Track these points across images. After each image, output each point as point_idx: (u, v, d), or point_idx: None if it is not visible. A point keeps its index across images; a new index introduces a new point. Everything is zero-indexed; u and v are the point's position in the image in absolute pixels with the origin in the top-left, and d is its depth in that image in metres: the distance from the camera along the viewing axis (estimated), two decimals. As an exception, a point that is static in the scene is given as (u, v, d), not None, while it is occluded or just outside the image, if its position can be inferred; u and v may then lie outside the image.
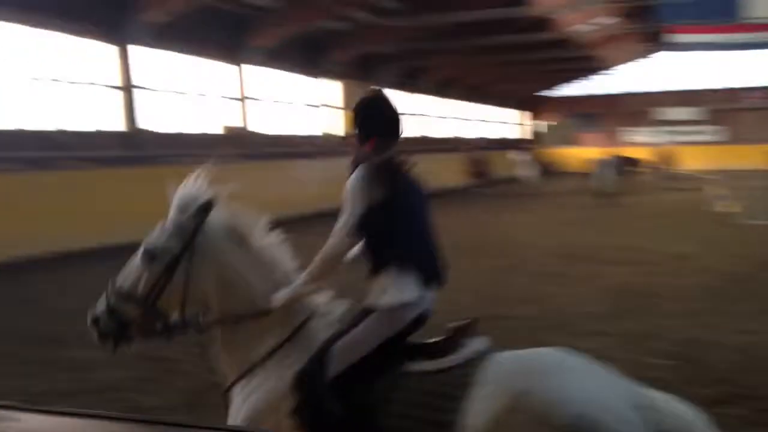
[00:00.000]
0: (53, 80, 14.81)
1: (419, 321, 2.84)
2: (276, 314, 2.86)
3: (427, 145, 31.82)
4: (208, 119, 19.34)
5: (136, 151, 16.36)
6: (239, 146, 19.32)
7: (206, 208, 2.87)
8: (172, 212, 2.93)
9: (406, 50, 25.82)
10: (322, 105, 24.48)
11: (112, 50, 16.14)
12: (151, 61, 17.07)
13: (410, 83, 31.01)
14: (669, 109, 44.31)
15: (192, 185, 2.92)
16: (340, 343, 2.74)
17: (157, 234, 2.91)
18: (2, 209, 11.80)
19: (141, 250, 2.90)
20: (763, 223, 14.49)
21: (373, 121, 2.93)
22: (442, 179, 28.91)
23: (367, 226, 2.77)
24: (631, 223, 15.79)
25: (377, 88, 3.12)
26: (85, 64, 15.62)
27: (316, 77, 23.92)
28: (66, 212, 12.86)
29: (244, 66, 20.19)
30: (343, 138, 21.97)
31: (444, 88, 34.14)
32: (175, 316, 2.89)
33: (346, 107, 25.32)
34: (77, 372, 5.88)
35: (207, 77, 19.33)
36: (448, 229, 15.17)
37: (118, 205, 13.73)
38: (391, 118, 2.93)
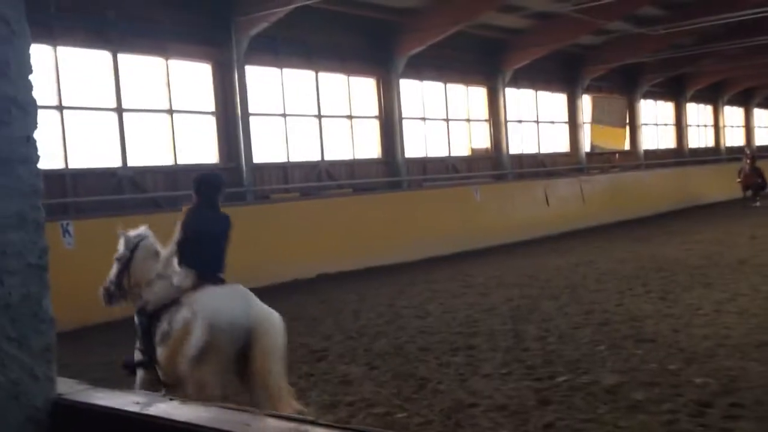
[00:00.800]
0: (322, 115, 16.41)
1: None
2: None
3: (687, 156, 29.81)
4: (459, 143, 19.99)
5: (393, 176, 17.47)
6: (488, 167, 19.71)
7: (137, 241, 5.41)
8: (121, 243, 5.47)
9: (668, 59, 24.49)
10: (584, 122, 24.11)
11: (370, 83, 17.47)
12: (407, 91, 18.13)
13: (670, 92, 29.33)
14: None
15: (132, 234, 5.45)
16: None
17: (121, 250, 5.44)
18: (280, 233, 13.28)
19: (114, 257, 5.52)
20: None
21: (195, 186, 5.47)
22: (706, 192, 26.81)
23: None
24: None
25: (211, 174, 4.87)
26: (350, 98, 17.10)
27: (571, 94, 23.65)
28: (330, 235, 14.08)
29: (494, 88, 20.54)
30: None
31: (708, 94, 31.76)
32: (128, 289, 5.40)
33: (594, 121, 24.66)
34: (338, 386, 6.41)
35: (458, 102, 20.01)
36: (713, 246, 14.21)
37: (377, 228, 14.79)
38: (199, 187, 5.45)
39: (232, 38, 13.94)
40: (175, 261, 5.29)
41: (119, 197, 12.67)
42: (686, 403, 5.32)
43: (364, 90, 17.50)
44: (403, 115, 17.79)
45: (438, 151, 19.33)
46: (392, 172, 17.62)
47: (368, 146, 17.59)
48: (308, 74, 16.13)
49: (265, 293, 11.51)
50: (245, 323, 4.80)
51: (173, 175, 13.54)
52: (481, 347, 7.45)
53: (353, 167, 16.87)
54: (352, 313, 9.86)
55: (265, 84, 15.35)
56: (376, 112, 17.60)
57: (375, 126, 17.64)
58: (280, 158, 15.60)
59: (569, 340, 7.52)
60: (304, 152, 16.20)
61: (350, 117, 17.08)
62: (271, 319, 4.97)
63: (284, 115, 15.59)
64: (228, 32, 13.91)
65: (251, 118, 14.53)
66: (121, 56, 12.83)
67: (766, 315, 8.07)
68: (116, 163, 12.75)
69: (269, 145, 15.41)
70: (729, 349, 6.77)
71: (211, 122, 14.26)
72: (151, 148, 13.52)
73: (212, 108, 14.21)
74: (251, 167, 14.32)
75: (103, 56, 12.67)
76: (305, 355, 7.56)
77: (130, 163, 12.92)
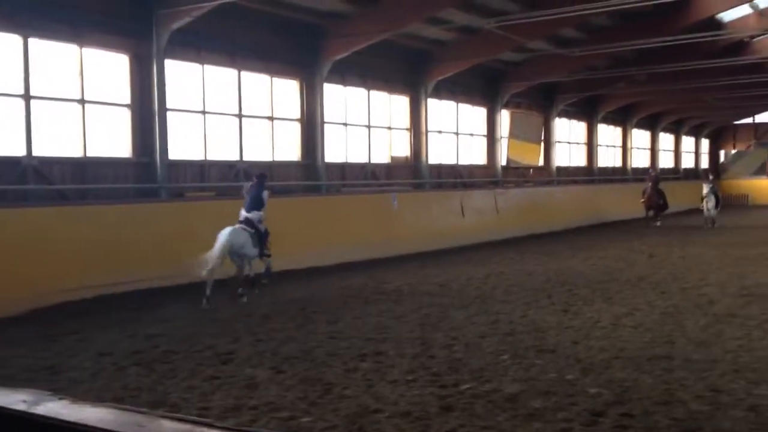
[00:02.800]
0: (243, 115, 16.20)
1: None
2: None
3: (596, 174, 31.01)
4: (379, 150, 20.13)
5: (312, 180, 17.44)
6: (407, 176, 19.95)
7: None
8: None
9: (583, 80, 25.45)
10: (502, 136, 24.71)
11: (294, 85, 17.39)
12: (330, 95, 18.12)
13: (583, 112, 30.47)
14: None
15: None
16: None
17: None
18: (194, 233, 13.03)
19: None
20: None
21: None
22: (612, 210, 27.96)
23: None
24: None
25: None
26: (273, 99, 16.95)
27: (491, 108, 24.20)
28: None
29: (417, 97, 20.80)
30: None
31: (619, 116, 33.20)
32: None
33: (512, 136, 25.35)
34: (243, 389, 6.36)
35: (380, 109, 20.16)
36: (615, 262, 14.83)
37: (293, 232, 14.74)
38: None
39: (153, 31, 13.59)
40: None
41: (22, 187, 12.12)
42: (580, 412, 5.54)
43: (286, 92, 17.38)
44: (325, 120, 17.77)
45: (358, 157, 19.41)
46: (311, 175, 17.57)
47: (288, 148, 17.47)
48: (230, 72, 15.89)
49: (175, 292, 11.38)
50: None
51: (82, 167, 13.05)
52: (389, 353, 7.53)
53: (272, 169, 16.71)
54: (262, 316, 9.78)
55: (185, 80, 15.03)
56: (298, 115, 17.51)
57: (296, 129, 17.55)
58: (197, 156, 15.30)
59: (475, 349, 7.70)
60: (223, 151, 15.95)
61: (271, 118, 16.93)
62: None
63: (203, 113, 15.30)
64: (149, 24, 13.55)
65: (169, 114, 14.19)
66: (32, 41, 12.29)
67: (659, 330, 8.50)
68: (21, 151, 12.20)
69: (186, 142, 15.09)
70: (623, 361, 7.09)
71: (125, 115, 13.84)
72: (59, 139, 12.99)
73: (128, 101, 13.80)
74: (166, 164, 13.98)
75: (13, 40, 12.11)
76: (210, 358, 7.45)
77: (36, 152, 12.38)
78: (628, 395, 5.96)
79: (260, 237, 11.41)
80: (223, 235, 10.72)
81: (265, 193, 11.76)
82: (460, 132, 23.31)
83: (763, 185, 41.91)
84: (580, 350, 7.55)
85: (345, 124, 18.99)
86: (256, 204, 11.56)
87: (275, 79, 16.97)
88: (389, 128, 20.42)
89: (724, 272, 13.43)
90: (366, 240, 16.28)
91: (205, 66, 15.27)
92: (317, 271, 14.30)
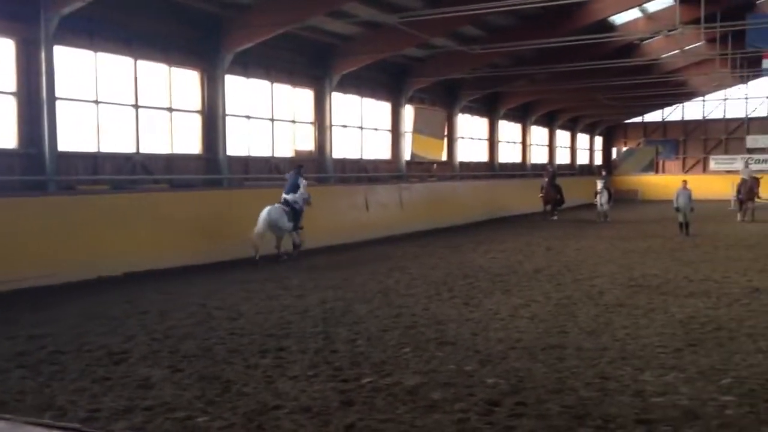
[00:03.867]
0: (139, 106, 15.61)
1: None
2: None
3: (498, 170, 31.85)
4: (283, 144, 19.91)
5: (214, 173, 17.04)
6: (311, 170, 19.84)
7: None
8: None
9: (484, 77, 26.02)
10: (406, 131, 24.90)
11: (194, 76, 16.92)
12: (232, 87, 17.74)
13: (485, 109, 31.19)
14: (758, 137, 42.73)
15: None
16: None
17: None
18: (85, 228, 12.48)
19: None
20: None
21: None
22: (512, 204, 28.80)
23: None
24: (706, 254, 15.34)
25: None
26: (171, 90, 16.42)
27: (395, 103, 24.36)
28: (140, 232, 13.49)
29: (321, 91, 20.68)
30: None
31: (519, 113, 34.21)
32: None
33: (416, 131, 25.66)
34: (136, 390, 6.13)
35: (285, 102, 19.93)
36: (514, 255, 15.28)
37: (193, 226, 14.42)
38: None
39: (41, 15, 12.87)
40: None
41: None
42: (477, 402, 5.65)
43: (186, 83, 16.88)
44: (227, 112, 17.38)
45: (261, 150, 19.11)
46: (213, 169, 17.15)
47: (189, 141, 16.98)
48: (126, 61, 15.27)
49: (63, 291, 10.87)
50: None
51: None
52: (290, 349, 7.45)
53: (171, 162, 16.21)
54: (159, 313, 9.46)
55: (77, 67, 14.33)
56: (198, 107, 17.04)
57: (197, 121, 17.07)
58: (90, 148, 14.63)
59: (377, 343, 7.73)
60: (118, 143, 15.31)
61: (170, 110, 16.39)
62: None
63: (96, 102, 14.63)
64: (36, 8, 12.83)
65: (58, 103, 13.49)
66: None
67: (553, 320, 8.79)
68: None
69: (78, 132, 14.40)
70: (519, 351, 7.29)
71: (11, 103, 13.06)
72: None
73: (13, 88, 13.02)
74: (55, 155, 13.28)
75: None
76: (102, 358, 7.14)
77: None
78: (522, 385, 6.12)
79: (295, 214, 14.88)
80: (264, 211, 14.29)
81: (302, 180, 15.18)
82: (364, 126, 23.37)
83: (652, 181, 44.23)
84: (479, 342, 7.71)
85: (248, 117, 18.65)
86: (293, 188, 15.04)
87: (174, 69, 16.45)
88: (293, 122, 20.22)
89: (615, 264, 14.04)
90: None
91: (99, 53, 14.61)
92: (220, 265, 14.02)
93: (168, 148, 16.34)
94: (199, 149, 17.16)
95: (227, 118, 17.41)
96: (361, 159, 23.22)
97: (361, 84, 22.69)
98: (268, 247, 14.84)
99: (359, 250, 17.01)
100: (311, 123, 20.77)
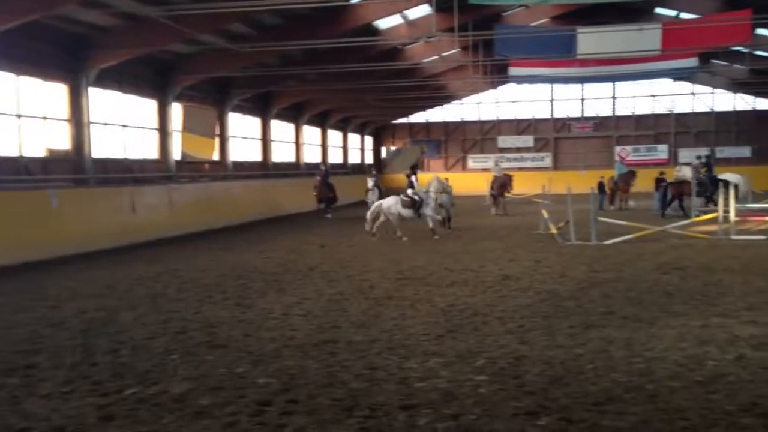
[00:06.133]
0: None
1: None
2: None
3: (272, 169, 31.87)
4: (34, 142, 18.17)
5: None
6: (68, 171, 18.40)
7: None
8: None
9: (255, 76, 25.82)
10: (175, 130, 23.88)
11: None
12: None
13: (258, 108, 31.00)
14: (508, 137, 47.11)
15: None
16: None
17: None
18: None
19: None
20: (581, 244, 15.70)
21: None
22: (287, 204, 28.99)
23: None
24: (465, 246, 16.52)
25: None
26: None
27: (162, 101, 23.29)
28: None
29: (77, 86, 19.16)
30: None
31: (291, 113, 34.48)
32: None
33: (185, 130, 24.84)
34: None
35: (33, 97, 18.18)
36: (289, 254, 15.36)
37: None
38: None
39: None
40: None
41: None
42: (248, 403, 5.56)
43: None
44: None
45: (8, 150, 17.26)
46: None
47: None
48: None
49: None
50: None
51: None
52: (42, 365, 6.80)
53: None
54: None
55: None
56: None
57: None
58: None
59: (143, 351, 7.32)
60: None
61: None
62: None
63: None
64: None
65: None
66: None
67: (326, 316, 8.94)
68: None
69: None
70: (292, 349, 7.31)
71: None
72: None
73: None
74: None
75: None
76: None
77: None
78: (294, 382, 6.14)
79: (414, 204, 18.49)
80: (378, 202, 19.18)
81: (414, 177, 19.35)
82: (128, 124, 22.08)
83: (417, 178, 46.82)
84: (252, 342, 7.61)
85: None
86: (410, 186, 19.15)
87: None
88: (45, 119, 18.51)
89: (385, 259, 14.63)
90: (20, 241, 14.60)
91: None
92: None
93: None
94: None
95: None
96: (125, 159, 21.91)
97: (124, 79, 21.41)
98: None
99: (125, 255, 16.03)
100: (66, 120, 19.15)
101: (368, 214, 18.96)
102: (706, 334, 7.53)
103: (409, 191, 18.85)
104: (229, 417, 5.26)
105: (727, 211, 16.70)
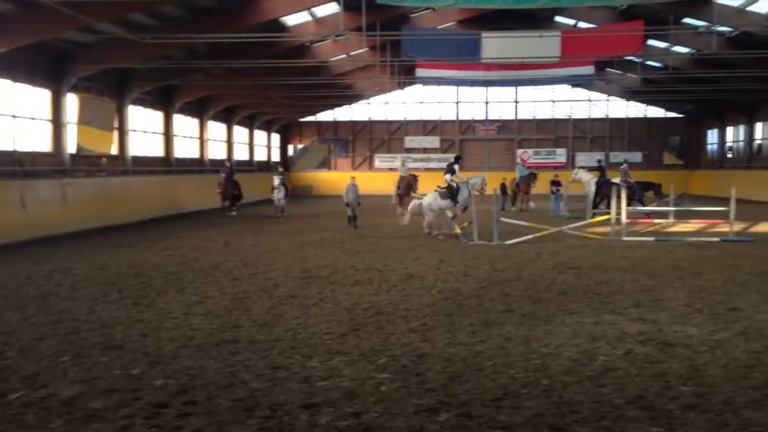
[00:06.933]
0: None
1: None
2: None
3: (174, 165, 31.02)
4: None
5: None
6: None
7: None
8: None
9: (158, 68, 25.04)
10: (70, 122, 22.78)
11: None
12: None
13: (160, 102, 30.09)
14: (414, 138, 47.71)
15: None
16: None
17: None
18: None
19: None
20: (484, 244, 16.09)
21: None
22: (190, 201, 28.32)
23: None
24: (371, 245, 16.61)
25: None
26: None
27: (56, 91, 22.20)
28: None
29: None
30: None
31: (196, 108, 33.67)
32: None
33: (82, 122, 23.82)
34: None
35: None
36: (191, 252, 14.99)
37: None
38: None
39: None
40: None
41: None
42: (144, 406, 5.39)
43: None
44: None
45: None
46: None
47: None
48: None
49: None
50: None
51: None
52: None
53: None
54: None
55: None
56: None
57: None
58: None
59: (30, 353, 6.97)
60: None
61: None
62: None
63: None
64: None
65: None
66: None
67: (228, 315, 8.77)
68: None
69: None
70: (192, 349, 7.13)
71: None
72: None
73: None
74: None
75: None
76: None
77: None
78: (193, 383, 5.99)
79: (452, 192, 18.85)
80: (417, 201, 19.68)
81: (456, 167, 19.54)
82: (18, 115, 20.93)
83: (325, 177, 46.79)
84: (149, 343, 7.38)
85: None
86: (450, 171, 19.46)
87: None
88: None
89: (290, 257, 14.51)
90: None
91: None
92: None
93: None
94: None
95: None
96: (15, 151, 20.74)
97: (14, 67, 20.26)
98: None
99: (13, 252, 15.19)
100: (-50, 108, 17.97)
101: (409, 208, 19.82)
102: (598, 330, 7.86)
103: (447, 176, 19.32)
104: (122, 420, 5.08)
105: (619, 214, 17.53)
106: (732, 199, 17.12)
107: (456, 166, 19.82)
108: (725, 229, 17.74)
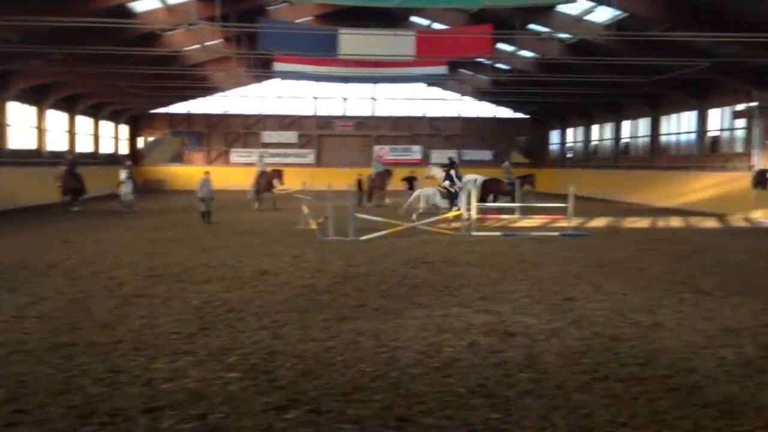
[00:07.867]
0: None
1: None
2: None
3: (9, 157, 28.81)
4: None
5: None
6: None
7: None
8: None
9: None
10: None
11: None
12: None
13: (-6, 88, 27.80)
14: (272, 132, 47.19)
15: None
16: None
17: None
18: None
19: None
20: (339, 240, 16.17)
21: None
22: (26, 195, 26.45)
23: None
24: (224, 242, 16.18)
25: None
26: None
27: None
28: None
29: None
30: None
31: (33, 95, 31.37)
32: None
33: None
34: None
35: None
36: (26, 249, 13.97)
37: None
38: None
39: None
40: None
41: None
42: (-37, 419, 4.93)
43: None
44: None
45: None
46: None
47: None
48: None
49: None
50: None
51: None
52: None
53: None
54: None
55: None
56: None
57: None
58: None
59: None
60: None
61: None
62: None
63: None
64: None
65: None
66: None
67: (65, 317, 8.24)
68: None
69: None
70: (23, 354, 6.64)
71: None
72: None
73: None
74: None
75: None
76: None
77: None
78: (23, 390, 5.57)
79: (450, 195, 20.52)
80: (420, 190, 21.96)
81: (453, 172, 20.97)
82: None
83: (178, 172, 45.19)
84: (-26, 349, 6.77)
85: None
86: (449, 178, 21.07)
87: None
88: None
89: (137, 255, 13.85)
90: None
91: None
92: None
93: None
94: None
95: None
96: None
97: None
98: None
99: None
100: None
101: (409, 201, 21.49)
102: (446, 323, 8.11)
103: (446, 183, 20.85)
104: (-63, 436, 4.63)
105: (469, 210, 18.23)
106: (570, 197, 18.27)
107: (453, 172, 20.97)
108: (565, 224, 18.91)
